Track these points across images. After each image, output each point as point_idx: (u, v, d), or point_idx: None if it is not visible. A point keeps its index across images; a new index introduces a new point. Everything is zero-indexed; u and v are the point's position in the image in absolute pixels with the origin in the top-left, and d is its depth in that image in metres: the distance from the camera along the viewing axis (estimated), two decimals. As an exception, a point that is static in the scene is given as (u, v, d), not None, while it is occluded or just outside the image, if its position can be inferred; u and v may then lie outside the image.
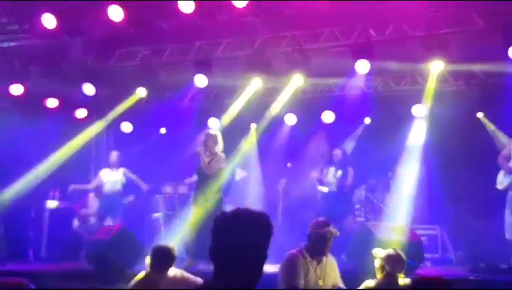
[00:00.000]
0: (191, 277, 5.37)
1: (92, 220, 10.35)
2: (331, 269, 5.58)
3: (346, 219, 9.55)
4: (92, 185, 10.45)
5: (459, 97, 10.43)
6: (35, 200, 10.50)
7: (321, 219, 5.82)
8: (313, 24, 9.09)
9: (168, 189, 10.60)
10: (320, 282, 5.41)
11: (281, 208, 10.66)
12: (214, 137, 8.46)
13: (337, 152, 9.87)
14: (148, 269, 5.33)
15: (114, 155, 10.20)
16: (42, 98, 10.59)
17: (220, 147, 8.45)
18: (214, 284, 2.31)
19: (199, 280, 5.24)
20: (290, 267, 5.38)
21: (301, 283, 5.31)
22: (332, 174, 9.65)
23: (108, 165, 10.23)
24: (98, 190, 10.35)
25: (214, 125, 11.58)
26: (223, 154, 8.47)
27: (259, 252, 2.34)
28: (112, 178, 10.10)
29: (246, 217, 2.37)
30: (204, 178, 8.36)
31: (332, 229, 5.48)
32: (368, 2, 8.01)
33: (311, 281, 5.39)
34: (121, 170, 10.16)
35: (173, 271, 5.33)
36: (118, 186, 10.09)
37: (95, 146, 11.81)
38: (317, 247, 5.47)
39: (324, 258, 5.53)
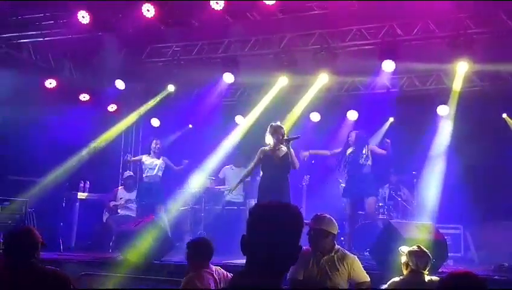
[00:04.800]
0: (227, 274, 5.31)
1: (121, 211, 10.57)
2: (344, 265, 5.46)
3: (367, 199, 9.19)
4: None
5: (484, 98, 10.43)
6: (66, 191, 10.74)
7: (320, 213, 5.63)
8: (341, 22, 9.19)
9: (193, 183, 10.75)
10: (318, 277, 5.35)
11: (304, 204, 10.77)
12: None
13: (352, 134, 9.61)
14: (189, 266, 5.32)
15: (154, 143, 10.41)
16: (75, 92, 10.86)
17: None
18: (247, 275, 2.34)
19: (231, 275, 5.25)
20: None
21: (299, 276, 5.32)
22: (348, 153, 9.37)
23: (149, 153, 10.43)
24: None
25: (240, 121, 11.76)
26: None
27: (292, 243, 2.37)
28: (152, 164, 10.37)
29: (279, 209, 2.41)
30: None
31: (312, 223, 5.40)
32: (396, 1, 8.10)
33: (312, 275, 5.37)
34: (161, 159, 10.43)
35: (214, 267, 5.28)
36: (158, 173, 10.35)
37: (125, 140, 12.06)
38: (309, 241, 5.48)
39: (333, 253, 5.48)
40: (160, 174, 10.22)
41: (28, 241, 4.03)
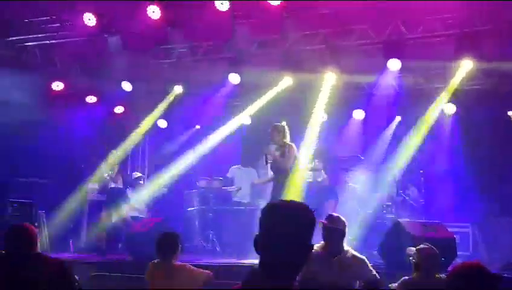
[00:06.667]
0: (198, 269, 5.41)
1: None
2: (354, 265, 5.55)
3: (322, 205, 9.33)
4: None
5: (490, 95, 10.40)
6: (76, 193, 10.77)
7: (333, 213, 5.83)
8: (346, 22, 9.19)
9: (202, 184, 10.77)
10: (329, 277, 5.41)
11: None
12: (279, 128, 8.49)
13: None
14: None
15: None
16: (81, 94, 10.91)
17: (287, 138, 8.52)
18: (260, 274, 2.34)
19: (207, 272, 5.41)
20: None
21: (311, 276, 5.30)
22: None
23: None
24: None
25: (246, 120, 11.77)
26: (293, 144, 8.54)
27: (305, 242, 2.38)
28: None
29: (292, 208, 2.41)
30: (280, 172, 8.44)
31: (327, 223, 5.53)
32: (401, 1, 8.11)
33: (324, 275, 5.41)
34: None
35: (178, 263, 5.40)
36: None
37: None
38: (324, 241, 5.60)
39: (344, 253, 5.57)
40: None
41: (28, 234, 4.16)
